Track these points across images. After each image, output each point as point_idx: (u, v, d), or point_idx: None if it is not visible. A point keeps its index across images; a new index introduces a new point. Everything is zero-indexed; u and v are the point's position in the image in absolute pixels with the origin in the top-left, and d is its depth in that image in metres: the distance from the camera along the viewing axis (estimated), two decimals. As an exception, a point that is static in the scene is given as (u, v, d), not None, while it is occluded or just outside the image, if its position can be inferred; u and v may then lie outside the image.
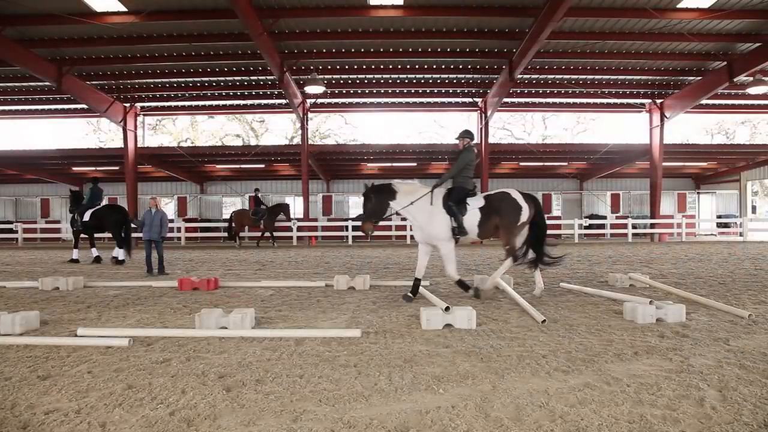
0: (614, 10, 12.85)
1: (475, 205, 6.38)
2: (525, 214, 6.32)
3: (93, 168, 23.58)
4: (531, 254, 6.53)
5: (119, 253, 11.43)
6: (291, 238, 20.09)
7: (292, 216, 18.97)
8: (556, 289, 7.03)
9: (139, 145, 20.30)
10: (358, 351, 3.89)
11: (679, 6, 12.59)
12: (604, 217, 23.10)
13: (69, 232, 21.55)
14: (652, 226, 20.41)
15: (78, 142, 35.84)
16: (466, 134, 6.85)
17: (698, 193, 25.62)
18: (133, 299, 6.47)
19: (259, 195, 18.60)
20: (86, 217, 11.54)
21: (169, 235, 21.35)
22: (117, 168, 22.52)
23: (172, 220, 22.47)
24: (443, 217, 6.28)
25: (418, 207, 6.39)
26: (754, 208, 27.74)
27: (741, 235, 20.68)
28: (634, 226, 20.76)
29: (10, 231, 21.66)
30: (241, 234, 18.55)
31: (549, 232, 22.09)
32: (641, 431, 2.48)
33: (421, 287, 6.83)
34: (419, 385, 3.14)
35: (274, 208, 18.20)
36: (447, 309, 4.74)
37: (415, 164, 23.61)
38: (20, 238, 21.23)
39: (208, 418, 2.67)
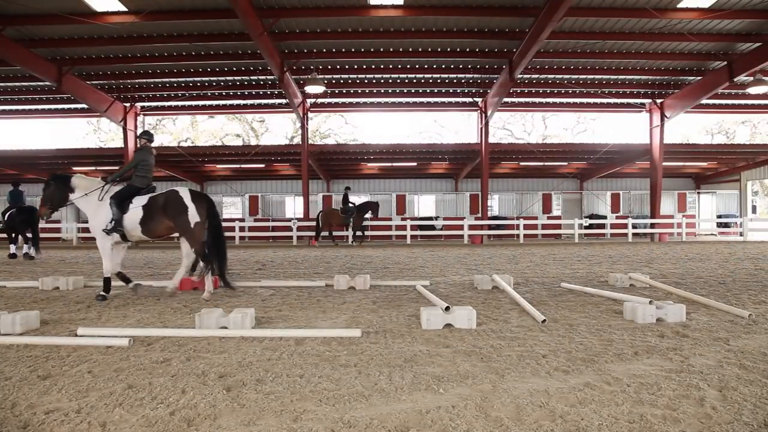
0: (614, 10, 12.85)
1: (138, 203, 6.45)
2: (194, 214, 6.35)
3: (93, 168, 23.59)
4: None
5: (12, 247, 12.94)
6: (291, 238, 20.10)
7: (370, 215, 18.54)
8: (556, 288, 7.04)
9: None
10: (358, 351, 3.89)
11: (679, 6, 12.60)
12: (604, 217, 23.11)
13: (68, 232, 21.75)
14: (652, 226, 20.41)
15: (78, 142, 35.93)
16: (143, 135, 7.03)
17: (698, 193, 25.62)
18: (133, 299, 6.47)
19: (349, 194, 18.32)
20: (6, 217, 12.86)
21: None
22: (117, 168, 22.50)
23: None
24: (105, 213, 6.40)
25: (89, 201, 6.56)
26: (754, 208, 27.75)
27: (741, 235, 20.68)
28: (634, 226, 20.76)
29: (10, 231, 21.65)
30: (324, 233, 18.41)
31: (550, 231, 22.20)
32: (641, 431, 2.48)
33: (421, 287, 6.86)
34: (419, 384, 3.14)
35: (363, 206, 17.98)
36: (447, 309, 4.73)
37: (415, 164, 23.61)
38: (20, 238, 21.18)
39: (208, 417, 2.67)
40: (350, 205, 17.97)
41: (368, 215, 18.18)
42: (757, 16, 12.85)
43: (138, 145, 6.98)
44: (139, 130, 20.40)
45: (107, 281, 6.47)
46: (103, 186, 6.61)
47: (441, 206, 24.93)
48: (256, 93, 18.97)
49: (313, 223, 20.23)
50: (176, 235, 6.72)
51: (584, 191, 25.69)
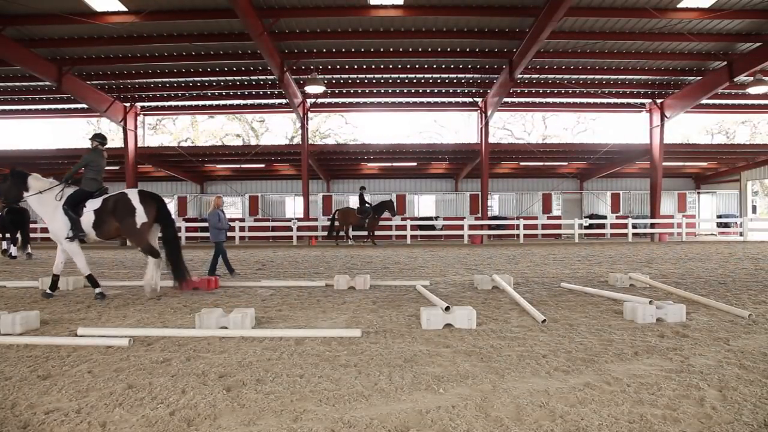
0: (614, 10, 12.85)
1: (91, 207, 6.55)
2: (141, 215, 6.45)
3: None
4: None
5: (12, 249, 13.25)
6: (291, 238, 20.10)
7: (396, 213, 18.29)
8: (556, 288, 7.04)
9: (139, 145, 20.31)
10: (358, 351, 3.89)
11: (679, 6, 12.60)
12: (605, 217, 23.10)
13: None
14: (652, 226, 20.41)
15: (78, 142, 35.90)
16: (96, 137, 7.11)
17: (698, 192, 25.62)
18: (133, 299, 6.47)
19: (365, 193, 18.16)
20: None
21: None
22: (117, 168, 22.51)
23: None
24: (62, 217, 6.47)
25: (44, 201, 6.62)
26: (754, 208, 27.74)
27: (741, 234, 20.68)
28: (634, 226, 20.76)
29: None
30: (341, 233, 18.24)
31: (550, 231, 22.13)
32: (641, 431, 2.48)
33: (421, 287, 6.85)
34: (419, 384, 3.14)
35: (380, 205, 17.76)
36: (447, 309, 4.74)
37: (415, 164, 23.61)
38: (20, 238, 21.18)
39: (208, 417, 2.67)
40: (366, 205, 17.88)
41: (385, 214, 18.08)
42: (757, 16, 12.84)
43: (92, 147, 7.05)
44: (139, 130, 20.56)
45: (90, 278, 6.54)
46: (56, 186, 6.68)
47: (441, 206, 24.93)
48: (256, 93, 18.97)
49: (314, 223, 20.25)
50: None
51: (584, 191, 25.68)
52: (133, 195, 6.55)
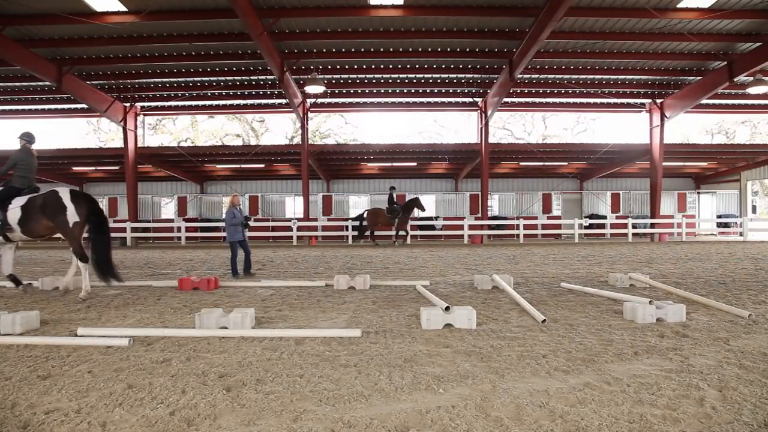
0: (614, 10, 12.86)
1: (17, 203, 6.56)
2: (72, 214, 6.44)
3: (93, 168, 23.58)
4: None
5: None
6: (291, 238, 20.10)
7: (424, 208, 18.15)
8: (556, 288, 7.04)
9: (139, 145, 20.30)
10: (358, 351, 3.89)
11: (679, 6, 12.60)
12: (604, 217, 23.09)
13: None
14: (652, 226, 20.41)
15: (78, 142, 35.89)
16: (24, 136, 7.11)
17: (698, 192, 25.61)
18: (133, 299, 6.47)
19: (394, 194, 17.98)
20: None
21: (169, 234, 21.42)
22: (117, 168, 22.52)
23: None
24: None
25: None
26: (754, 208, 27.74)
27: (741, 234, 20.68)
28: (634, 226, 20.75)
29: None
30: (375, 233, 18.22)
31: (550, 231, 22.03)
32: (641, 431, 2.48)
33: (421, 287, 6.85)
34: (419, 384, 3.14)
35: (407, 205, 17.59)
36: (447, 309, 4.74)
37: (415, 164, 23.61)
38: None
39: (208, 417, 2.67)
40: (395, 205, 17.69)
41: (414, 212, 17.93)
42: (757, 16, 12.85)
43: (20, 146, 7.06)
44: (139, 130, 20.56)
45: None
46: None
47: (441, 206, 24.92)
48: (256, 93, 18.97)
49: (315, 224, 20.24)
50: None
51: (584, 191, 25.68)
52: (64, 193, 6.56)
